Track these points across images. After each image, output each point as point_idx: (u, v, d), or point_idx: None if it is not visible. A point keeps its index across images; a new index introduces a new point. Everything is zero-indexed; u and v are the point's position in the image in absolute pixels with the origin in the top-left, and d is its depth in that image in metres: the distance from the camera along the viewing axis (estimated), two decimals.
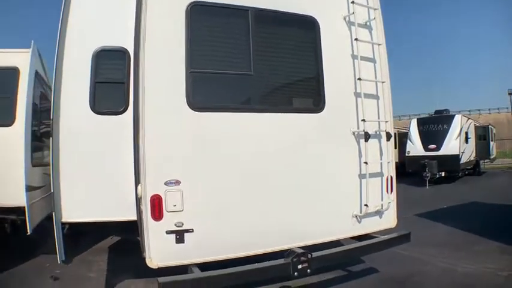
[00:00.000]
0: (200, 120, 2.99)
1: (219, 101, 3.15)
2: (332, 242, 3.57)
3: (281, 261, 3.05)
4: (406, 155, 14.68)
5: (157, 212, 2.84)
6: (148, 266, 2.84)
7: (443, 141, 13.62)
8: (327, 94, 3.55)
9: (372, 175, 3.73)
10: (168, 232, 2.87)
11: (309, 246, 3.32)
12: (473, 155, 15.58)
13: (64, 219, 3.28)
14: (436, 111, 15.65)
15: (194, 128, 2.98)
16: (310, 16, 3.54)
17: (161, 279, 2.68)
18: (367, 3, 3.81)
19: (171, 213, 2.88)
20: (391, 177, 3.96)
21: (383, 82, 3.82)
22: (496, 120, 31.11)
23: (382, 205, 3.79)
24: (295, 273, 3.01)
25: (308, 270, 3.08)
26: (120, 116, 3.37)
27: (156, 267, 2.85)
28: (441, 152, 13.43)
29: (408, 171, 14.12)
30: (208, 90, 3.11)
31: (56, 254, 3.31)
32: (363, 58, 3.74)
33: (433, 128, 14.24)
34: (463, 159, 13.98)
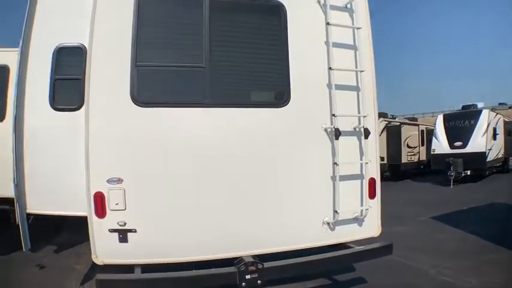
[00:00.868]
0: (145, 116, 2.87)
1: (167, 96, 3.00)
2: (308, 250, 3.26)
3: (228, 269, 2.84)
4: (431, 152, 14.10)
5: (100, 210, 2.79)
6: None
7: (469, 138, 12.89)
8: (293, 86, 3.24)
9: (347, 177, 3.36)
10: (111, 230, 2.80)
11: (269, 254, 3.08)
12: (502, 152, 14.65)
13: (27, 210, 3.40)
14: (463, 107, 14.75)
15: (139, 124, 2.87)
16: (276, 1, 3.25)
17: (99, 276, 2.63)
18: None
19: (113, 211, 2.80)
20: (374, 180, 3.55)
21: (361, 71, 3.41)
22: None
23: (361, 211, 3.41)
24: (243, 283, 2.77)
25: (258, 282, 2.81)
26: (76, 112, 3.37)
27: (102, 264, 2.82)
28: (467, 150, 12.81)
29: (434, 169, 13.73)
30: (155, 85, 2.98)
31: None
32: (339, 45, 3.38)
33: (459, 124, 13.47)
34: (490, 157, 13.24)
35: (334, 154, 3.26)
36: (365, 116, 3.39)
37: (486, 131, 12.90)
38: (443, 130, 13.81)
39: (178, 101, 2.98)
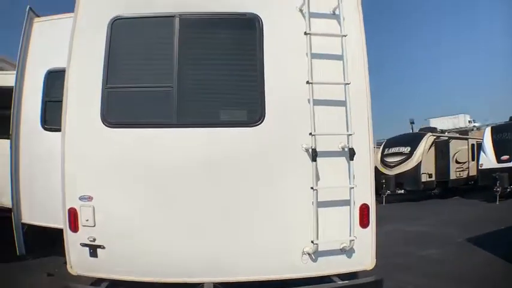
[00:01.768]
0: (113, 137, 2.96)
1: (134, 117, 3.04)
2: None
3: None
4: (479, 167, 13.57)
5: (73, 224, 2.97)
6: None
7: None
8: (269, 103, 3.01)
9: (330, 204, 3.01)
10: (83, 245, 2.96)
11: (240, 283, 2.92)
12: None
13: (22, 220, 3.80)
14: None
15: (107, 144, 2.97)
16: (251, 13, 3.06)
17: (68, 284, 2.82)
18: None
19: (85, 227, 2.95)
20: (367, 207, 3.11)
21: (346, 84, 3.01)
22: None
23: (350, 241, 3.02)
24: None
25: None
26: None
27: (76, 275, 3.01)
28: None
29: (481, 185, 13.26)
30: (123, 106, 3.04)
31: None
32: (322, 56, 3.06)
33: (507, 136, 12.47)
34: None
35: (313, 177, 2.94)
36: (350, 135, 2.98)
37: None
38: (491, 143, 12.83)
39: (146, 122, 3.01)
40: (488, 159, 12.94)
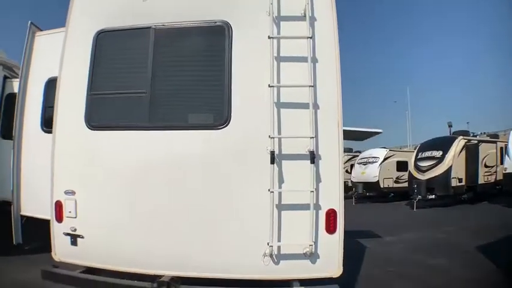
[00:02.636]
0: (94, 138, 3.27)
1: (111, 120, 3.30)
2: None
3: (143, 283, 2.94)
4: (503, 172, 13.02)
5: (58, 215, 3.31)
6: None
7: None
8: (235, 107, 3.11)
9: (293, 207, 3.01)
10: (65, 234, 3.28)
11: (201, 278, 3.02)
12: None
13: (21, 212, 4.27)
14: None
15: (89, 145, 3.28)
16: (221, 20, 3.20)
17: (44, 268, 3.15)
18: None
19: (68, 218, 3.28)
20: (334, 212, 3.05)
21: (310, 86, 3.00)
22: None
23: (309, 246, 2.97)
24: None
25: None
26: None
27: (59, 261, 3.34)
28: None
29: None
30: (104, 111, 3.33)
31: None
32: (290, 59, 3.10)
33: None
34: None
35: (270, 180, 2.96)
36: (312, 137, 2.96)
37: None
38: None
39: (123, 125, 3.27)
40: None
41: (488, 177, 15.87)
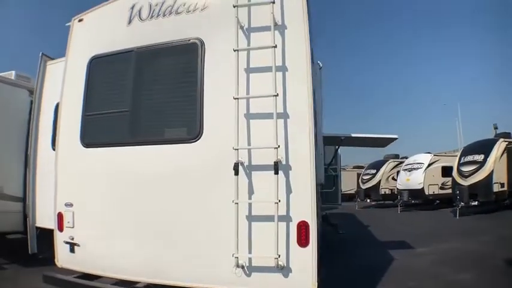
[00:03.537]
0: (87, 155, 3.60)
1: (101, 138, 3.60)
2: None
3: None
4: None
5: (60, 225, 3.68)
6: None
7: None
8: (207, 120, 3.21)
9: (263, 218, 2.98)
10: (65, 242, 3.63)
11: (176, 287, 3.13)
12: None
13: (36, 224, 4.75)
14: None
15: (83, 161, 3.62)
16: (195, 38, 3.34)
17: (45, 273, 3.50)
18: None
19: (67, 228, 3.64)
20: (306, 225, 2.95)
21: (274, 96, 2.97)
22: None
23: (285, 260, 2.91)
24: None
25: None
26: None
27: (60, 267, 3.69)
28: None
29: None
30: (95, 130, 3.64)
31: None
32: (257, 70, 3.13)
33: None
34: None
35: (235, 191, 2.98)
36: (276, 148, 2.92)
37: None
38: None
39: (109, 142, 3.55)
40: None
41: None
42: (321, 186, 5.58)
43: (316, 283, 2.90)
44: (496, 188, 13.47)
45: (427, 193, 17.39)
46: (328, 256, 6.54)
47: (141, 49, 3.51)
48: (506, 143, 14.36)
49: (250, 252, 3.00)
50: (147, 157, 3.37)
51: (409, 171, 18.05)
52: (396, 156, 22.74)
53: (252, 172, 3.06)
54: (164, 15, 3.51)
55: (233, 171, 3.04)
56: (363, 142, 7.10)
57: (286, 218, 2.98)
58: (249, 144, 3.08)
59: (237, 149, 3.00)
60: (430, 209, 17.44)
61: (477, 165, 13.70)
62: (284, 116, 3.05)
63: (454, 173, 14.86)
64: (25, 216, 5.14)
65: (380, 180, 21.10)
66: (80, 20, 3.92)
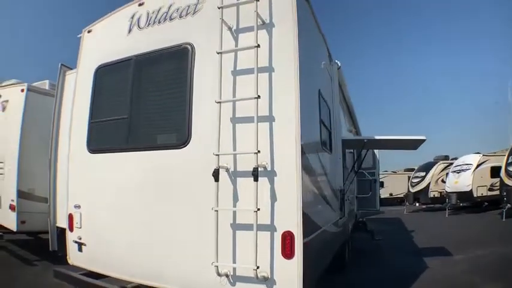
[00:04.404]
0: (92, 160, 3.79)
1: (103, 144, 3.75)
2: None
3: (111, 287, 3.24)
4: None
5: (70, 226, 3.93)
6: None
7: None
8: (195, 126, 3.18)
9: (244, 227, 2.87)
10: (74, 241, 3.86)
11: None
12: None
13: (57, 224, 5.11)
14: None
15: (89, 165, 3.82)
16: (186, 42, 3.34)
17: (56, 268, 3.76)
18: None
19: (76, 228, 3.87)
20: (291, 235, 2.77)
21: (256, 98, 2.83)
22: None
23: (253, 270, 2.76)
24: None
25: None
26: None
27: (71, 264, 3.94)
28: None
29: None
30: (99, 136, 3.81)
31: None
32: (241, 72, 3.02)
33: None
34: None
35: (215, 198, 2.91)
36: (256, 153, 2.78)
37: None
38: None
39: (110, 147, 3.68)
40: None
41: None
42: (340, 192, 5.24)
43: None
44: None
45: (475, 195, 16.16)
46: (349, 265, 6.18)
47: (139, 57, 3.61)
48: None
49: (234, 261, 2.91)
50: (139, 162, 3.44)
51: (458, 172, 16.73)
52: (446, 158, 21.20)
53: (237, 178, 2.97)
54: (160, 22, 3.57)
55: (221, 177, 2.98)
56: (389, 144, 6.56)
57: (270, 228, 2.83)
58: (234, 149, 2.99)
59: (218, 155, 2.93)
60: (478, 212, 16.77)
61: None
62: (269, 119, 2.91)
63: (502, 173, 13.76)
64: None
65: (429, 183, 19.64)
66: (89, 31, 4.16)
